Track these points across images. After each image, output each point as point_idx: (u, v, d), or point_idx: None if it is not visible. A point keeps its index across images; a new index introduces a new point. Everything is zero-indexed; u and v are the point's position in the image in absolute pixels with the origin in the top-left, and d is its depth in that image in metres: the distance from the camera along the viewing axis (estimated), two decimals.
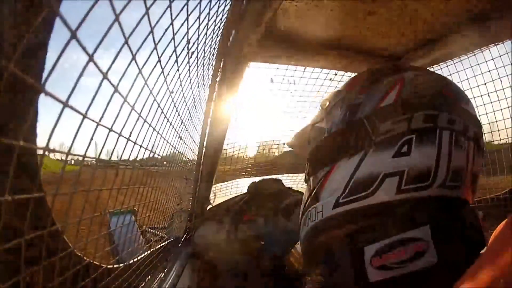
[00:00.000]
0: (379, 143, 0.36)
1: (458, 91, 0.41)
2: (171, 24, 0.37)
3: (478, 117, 0.42)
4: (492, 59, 1.10)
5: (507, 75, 1.13)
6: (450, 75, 1.10)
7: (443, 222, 0.33)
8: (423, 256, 0.31)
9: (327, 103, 0.46)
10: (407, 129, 0.35)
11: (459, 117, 0.37)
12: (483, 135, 0.41)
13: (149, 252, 0.67)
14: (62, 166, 0.28)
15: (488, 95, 1.21)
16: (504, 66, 1.11)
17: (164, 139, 0.55)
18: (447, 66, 1.08)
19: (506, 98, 1.18)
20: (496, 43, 0.91)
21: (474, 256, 0.27)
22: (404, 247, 0.32)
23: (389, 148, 0.36)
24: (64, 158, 0.27)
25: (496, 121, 1.27)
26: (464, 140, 0.36)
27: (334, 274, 0.39)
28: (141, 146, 0.42)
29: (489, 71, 1.14)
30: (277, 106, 1.25)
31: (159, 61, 0.39)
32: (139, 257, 0.60)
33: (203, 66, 0.69)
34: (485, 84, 1.18)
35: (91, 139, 0.28)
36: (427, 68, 0.47)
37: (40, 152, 0.27)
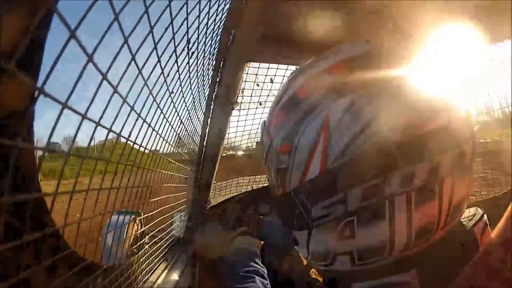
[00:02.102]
0: (318, 226, 0.33)
1: (418, 109, 0.30)
2: (171, 23, 0.37)
3: (466, 120, 0.32)
4: (492, 59, 1.10)
5: (506, 75, 1.13)
6: None
7: (430, 263, 0.31)
8: None
9: (260, 150, 0.40)
10: (343, 213, 0.30)
11: (424, 160, 0.28)
12: (473, 145, 0.32)
13: (149, 252, 0.67)
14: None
15: (488, 95, 1.21)
16: (503, 66, 1.11)
17: (164, 139, 0.55)
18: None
19: (506, 98, 1.18)
20: (496, 43, 0.91)
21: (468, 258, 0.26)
22: None
23: (330, 232, 0.32)
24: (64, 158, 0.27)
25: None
26: (433, 188, 0.29)
27: None
28: (140, 146, 0.42)
29: (488, 71, 1.14)
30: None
31: (159, 61, 0.39)
32: (139, 257, 0.60)
33: (203, 66, 0.69)
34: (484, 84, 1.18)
35: (91, 139, 0.28)
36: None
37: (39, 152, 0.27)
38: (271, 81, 1.07)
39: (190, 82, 0.62)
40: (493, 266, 0.23)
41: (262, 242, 0.83)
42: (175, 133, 0.63)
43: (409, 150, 0.28)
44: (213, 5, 0.50)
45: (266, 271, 0.66)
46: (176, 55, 0.44)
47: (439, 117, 0.30)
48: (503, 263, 0.22)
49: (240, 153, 1.76)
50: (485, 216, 0.33)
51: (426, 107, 0.30)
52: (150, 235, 0.69)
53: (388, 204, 0.29)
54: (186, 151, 0.84)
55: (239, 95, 0.85)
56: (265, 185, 1.19)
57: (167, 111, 0.51)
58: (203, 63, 0.67)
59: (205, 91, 0.81)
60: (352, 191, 0.29)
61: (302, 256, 0.41)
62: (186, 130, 0.73)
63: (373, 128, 0.29)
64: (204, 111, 0.86)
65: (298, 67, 0.40)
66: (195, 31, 0.49)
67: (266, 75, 1.03)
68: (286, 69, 1.02)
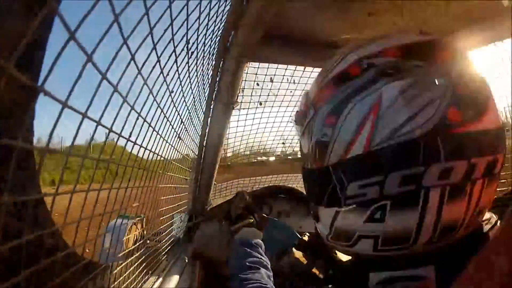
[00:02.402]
0: (350, 205, 0.33)
1: (471, 101, 0.30)
2: (171, 24, 0.37)
3: (501, 125, 0.32)
4: (492, 59, 1.10)
5: (507, 74, 1.13)
6: None
7: (447, 261, 0.31)
8: None
9: (299, 120, 0.40)
10: (378, 195, 0.30)
11: (463, 158, 0.28)
12: (505, 148, 0.32)
13: (149, 252, 0.67)
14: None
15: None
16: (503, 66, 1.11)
17: (164, 139, 0.55)
18: None
19: (506, 97, 1.18)
20: (496, 43, 0.91)
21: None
22: (408, 283, 0.31)
23: (361, 212, 0.32)
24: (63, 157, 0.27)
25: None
26: (466, 187, 0.29)
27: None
28: (140, 146, 0.42)
29: (488, 71, 1.14)
30: (277, 106, 1.25)
31: (159, 61, 0.39)
32: (139, 257, 0.60)
33: (203, 66, 0.69)
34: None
35: (91, 139, 0.28)
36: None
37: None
38: (271, 81, 1.07)
39: (190, 82, 0.62)
40: (493, 267, 0.23)
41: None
42: (175, 132, 0.63)
43: (453, 146, 0.29)
44: (213, 7, 0.51)
45: (269, 262, 0.66)
46: (175, 55, 0.44)
47: (486, 120, 0.30)
48: (502, 265, 0.22)
49: (272, 158, 1.70)
50: (499, 222, 0.34)
51: (476, 106, 0.30)
52: (150, 235, 0.69)
53: (423, 194, 0.29)
54: (186, 151, 0.84)
55: (239, 94, 0.85)
56: (265, 186, 1.18)
57: (167, 111, 0.51)
58: (202, 63, 0.67)
59: (205, 91, 0.81)
60: (391, 175, 0.29)
61: (321, 233, 0.40)
62: (186, 130, 0.73)
63: (422, 118, 0.29)
64: (204, 110, 0.86)
65: (349, 45, 0.38)
66: (195, 32, 0.49)
67: (266, 75, 1.03)
68: (286, 69, 1.02)
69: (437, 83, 0.30)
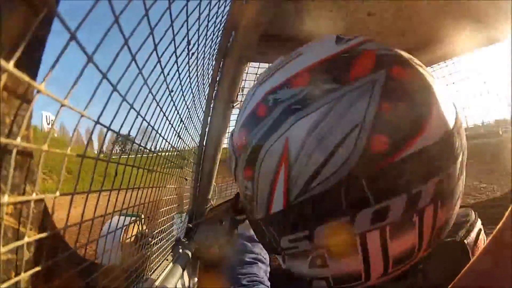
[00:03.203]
0: (289, 255, 0.31)
1: (402, 117, 0.24)
2: (171, 25, 0.37)
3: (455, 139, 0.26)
4: (492, 59, 1.10)
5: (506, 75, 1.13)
6: (450, 74, 1.10)
7: (421, 277, 0.29)
8: None
9: (229, 166, 0.36)
10: (311, 247, 0.28)
11: (399, 194, 0.24)
12: (463, 150, 0.27)
13: (149, 252, 0.67)
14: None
15: (488, 93, 1.20)
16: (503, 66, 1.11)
17: (164, 139, 0.55)
18: (447, 65, 1.08)
19: (506, 98, 1.17)
20: (496, 43, 0.91)
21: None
22: None
23: (302, 260, 0.29)
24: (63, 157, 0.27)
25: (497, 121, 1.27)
26: (412, 219, 0.25)
27: None
28: (139, 145, 0.43)
29: (488, 71, 1.14)
30: None
31: (159, 61, 0.39)
32: (140, 256, 0.60)
33: (203, 66, 0.69)
34: (484, 83, 1.18)
35: (90, 138, 0.28)
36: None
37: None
38: None
39: (190, 82, 0.62)
40: (484, 273, 0.23)
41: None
42: (175, 132, 0.63)
43: (381, 184, 0.24)
44: (213, 7, 0.51)
45: (267, 257, 0.65)
46: (176, 55, 0.44)
47: (426, 135, 0.24)
48: (494, 270, 0.22)
49: None
50: (479, 222, 0.31)
51: (411, 123, 0.24)
52: (150, 236, 0.69)
53: (359, 240, 0.25)
54: (186, 151, 0.85)
55: (239, 94, 0.85)
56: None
57: (166, 110, 0.51)
58: (203, 63, 0.67)
59: (205, 91, 0.81)
60: (318, 228, 0.26)
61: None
62: (186, 129, 0.73)
63: (338, 159, 0.24)
64: (204, 110, 0.87)
65: (260, 75, 0.34)
66: (195, 32, 0.49)
67: None
68: None
69: (353, 107, 0.24)
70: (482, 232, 0.31)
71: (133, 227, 0.63)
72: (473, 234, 0.30)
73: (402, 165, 0.24)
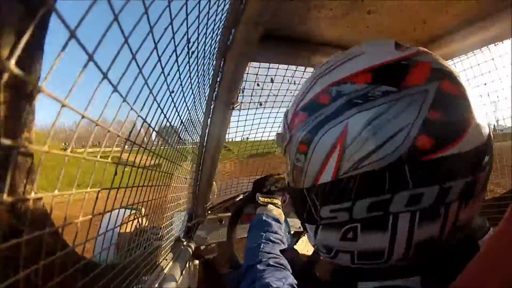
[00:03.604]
0: (325, 224, 0.35)
1: (445, 125, 0.28)
2: (171, 23, 0.37)
3: (483, 139, 0.30)
4: (492, 59, 1.10)
5: (507, 76, 1.13)
6: None
7: (433, 271, 0.31)
8: None
9: (279, 142, 0.42)
10: (348, 219, 0.32)
11: (433, 184, 0.28)
12: (490, 163, 0.31)
13: (149, 251, 0.67)
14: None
15: (488, 95, 1.21)
16: (504, 66, 1.11)
17: (164, 139, 0.55)
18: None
19: (506, 98, 1.18)
20: (496, 43, 0.91)
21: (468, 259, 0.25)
22: None
23: (335, 231, 0.34)
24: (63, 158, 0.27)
25: (497, 121, 1.27)
26: (439, 210, 0.29)
27: None
28: (140, 146, 0.42)
29: (489, 71, 1.14)
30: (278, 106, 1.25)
31: (159, 60, 0.39)
32: (140, 256, 0.60)
33: (203, 66, 0.69)
34: (485, 84, 1.18)
35: (90, 139, 0.28)
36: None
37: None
38: (272, 81, 1.07)
39: (190, 82, 0.62)
40: (490, 268, 0.23)
41: None
42: (175, 132, 0.63)
43: (420, 173, 0.28)
44: (212, 6, 0.51)
45: (286, 242, 0.71)
46: (176, 54, 0.44)
47: (463, 142, 0.28)
48: (500, 265, 0.22)
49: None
50: (491, 229, 0.33)
51: (451, 131, 0.29)
52: (150, 233, 0.69)
53: (391, 219, 0.29)
54: (186, 150, 0.84)
55: (239, 95, 0.85)
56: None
57: (167, 111, 0.51)
58: (203, 63, 0.67)
59: (205, 91, 0.81)
60: (358, 202, 0.30)
61: (310, 242, 0.42)
62: (186, 130, 0.73)
63: (388, 149, 0.28)
64: (204, 111, 0.86)
65: (320, 66, 0.38)
66: (195, 31, 0.49)
67: (266, 75, 1.02)
68: (287, 69, 1.02)
69: (407, 110, 0.29)
70: None
71: (132, 221, 0.63)
72: (486, 237, 0.32)
73: (440, 162, 0.28)
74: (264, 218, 0.77)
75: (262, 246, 0.64)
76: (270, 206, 0.83)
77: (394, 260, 0.31)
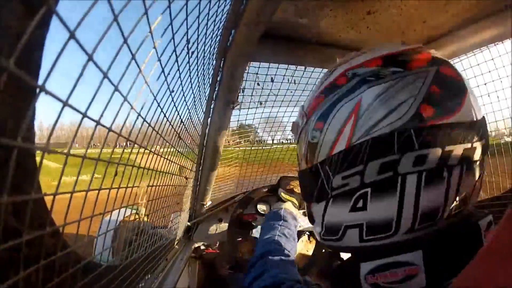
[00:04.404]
0: (336, 196, 0.37)
1: (444, 98, 0.33)
2: (171, 24, 0.37)
3: (477, 118, 0.34)
4: (492, 59, 1.10)
5: (507, 76, 1.13)
6: None
7: (435, 247, 0.32)
8: (412, 279, 0.32)
9: (295, 129, 0.45)
10: (360, 184, 0.34)
11: (436, 146, 0.31)
12: (484, 139, 0.34)
13: (149, 251, 0.67)
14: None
15: (488, 95, 1.20)
16: (504, 66, 1.11)
17: (164, 139, 0.55)
18: None
19: (506, 99, 1.18)
20: (496, 43, 0.91)
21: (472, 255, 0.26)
22: (397, 269, 0.32)
23: (345, 202, 0.35)
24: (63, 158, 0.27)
25: (496, 122, 1.27)
26: (442, 173, 0.32)
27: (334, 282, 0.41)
28: (140, 146, 0.42)
29: (489, 71, 1.14)
30: (278, 105, 1.25)
31: (159, 60, 0.39)
32: (139, 256, 0.60)
33: (203, 66, 0.69)
34: (485, 84, 1.18)
35: (91, 139, 0.28)
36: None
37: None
38: (272, 81, 1.07)
39: (190, 82, 0.62)
40: (489, 269, 0.23)
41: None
42: (175, 132, 0.63)
43: (425, 136, 0.31)
44: (213, 6, 0.51)
45: (296, 240, 0.75)
46: (176, 54, 0.44)
47: (459, 114, 0.33)
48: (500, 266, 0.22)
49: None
50: (491, 216, 0.35)
51: (449, 103, 0.33)
52: (150, 233, 0.69)
53: (400, 180, 0.32)
54: (186, 150, 0.84)
55: (239, 94, 0.85)
56: (264, 185, 1.19)
57: (167, 110, 0.51)
58: (203, 63, 0.67)
59: (205, 91, 0.81)
60: (370, 164, 0.33)
61: (316, 233, 0.44)
62: (186, 129, 0.73)
63: (396, 115, 0.32)
64: (204, 110, 0.86)
65: (339, 61, 0.43)
66: (195, 31, 0.49)
67: (266, 74, 1.02)
68: (287, 68, 1.02)
69: (412, 84, 0.33)
70: (493, 224, 0.35)
71: (131, 221, 0.63)
72: (487, 219, 0.34)
73: (442, 128, 0.32)
74: (282, 212, 0.81)
75: (276, 238, 0.67)
76: (289, 203, 0.88)
77: (401, 233, 0.33)
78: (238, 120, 1.20)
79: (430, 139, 0.31)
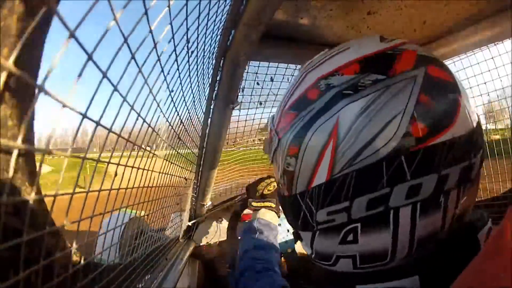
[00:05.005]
0: (322, 230, 0.33)
1: (436, 109, 0.28)
2: (170, 24, 0.37)
3: (473, 124, 0.30)
4: (492, 58, 1.10)
5: (507, 75, 1.13)
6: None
7: (432, 273, 0.30)
8: None
9: (267, 148, 0.39)
10: (347, 220, 0.30)
11: (431, 173, 0.27)
12: (481, 148, 0.31)
13: (149, 251, 0.67)
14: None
15: (488, 95, 1.21)
16: (504, 65, 1.11)
17: (163, 140, 0.55)
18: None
19: (506, 98, 1.18)
20: (496, 43, 0.91)
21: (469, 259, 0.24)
22: None
23: (334, 236, 0.32)
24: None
25: (496, 121, 1.27)
26: (439, 200, 0.28)
27: None
28: (140, 147, 0.42)
29: (489, 70, 1.15)
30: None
31: (159, 60, 0.39)
32: (139, 256, 0.60)
33: (203, 66, 0.69)
34: (485, 83, 1.18)
35: (91, 139, 0.28)
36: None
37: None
38: (271, 80, 1.07)
39: (190, 82, 0.62)
40: (488, 272, 0.23)
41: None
42: (174, 133, 0.63)
43: (418, 162, 0.27)
44: (213, 6, 0.50)
45: (279, 248, 0.71)
46: (176, 54, 0.44)
47: (455, 127, 0.28)
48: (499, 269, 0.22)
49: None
50: (490, 222, 0.32)
51: (443, 115, 0.28)
52: (149, 234, 0.69)
53: (392, 214, 0.28)
54: (186, 151, 0.84)
55: (239, 94, 0.85)
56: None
57: (166, 111, 0.51)
58: (203, 62, 0.67)
59: (205, 91, 0.81)
60: (356, 200, 0.29)
61: (306, 253, 0.40)
62: (186, 130, 0.73)
63: (382, 140, 0.27)
64: (204, 111, 0.86)
65: (307, 63, 0.38)
66: (194, 31, 0.49)
67: (266, 74, 1.02)
68: (286, 68, 1.02)
69: (397, 96, 0.28)
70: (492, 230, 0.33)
71: (132, 224, 0.63)
72: (485, 230, 0.31)
73: (436, 149, 0.27)
74: (254, 224, 0.74)
75: (251, 253, 0.63)
76: (263, 210, 0.81)
77: (397, 259, 0.30)
78: (261, 118, 1.18)
79: (424, 165, 0.27)
